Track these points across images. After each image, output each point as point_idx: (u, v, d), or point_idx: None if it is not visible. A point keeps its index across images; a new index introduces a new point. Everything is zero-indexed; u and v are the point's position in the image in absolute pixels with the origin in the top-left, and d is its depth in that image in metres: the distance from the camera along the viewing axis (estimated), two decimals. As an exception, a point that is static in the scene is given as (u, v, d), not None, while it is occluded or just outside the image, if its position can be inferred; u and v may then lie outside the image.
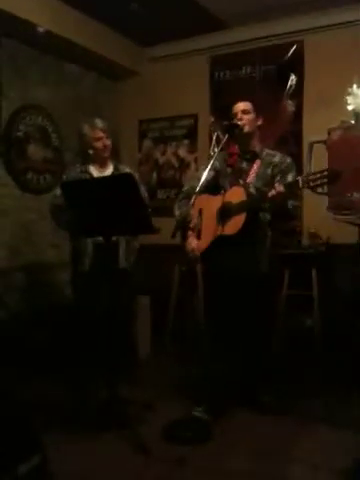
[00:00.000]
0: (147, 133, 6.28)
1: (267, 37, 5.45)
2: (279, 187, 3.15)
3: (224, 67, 5.79)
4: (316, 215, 5.06)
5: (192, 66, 5.87)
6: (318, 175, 2.98)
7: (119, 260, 3.79)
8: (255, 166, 3.49)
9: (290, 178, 3.34)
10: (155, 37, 5.77)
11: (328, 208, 5.08)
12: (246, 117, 3.45)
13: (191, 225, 3.48)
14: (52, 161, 5.40)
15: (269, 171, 3.47)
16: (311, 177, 3.00)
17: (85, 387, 3.68)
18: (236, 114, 3.47)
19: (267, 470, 2.71)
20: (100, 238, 3.38)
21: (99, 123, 3.81)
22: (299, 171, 4.88)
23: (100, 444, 2.97)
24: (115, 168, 3.90)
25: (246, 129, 3.44)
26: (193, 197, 3.17)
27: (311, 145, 5.26)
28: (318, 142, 5.19)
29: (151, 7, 4.95)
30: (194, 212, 3.48)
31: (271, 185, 3.26)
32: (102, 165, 3.87)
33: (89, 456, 2.83)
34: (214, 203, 3.46)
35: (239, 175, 3.50)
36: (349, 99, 4.99)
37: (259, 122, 3.53)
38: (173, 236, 3.10)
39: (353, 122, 5.00)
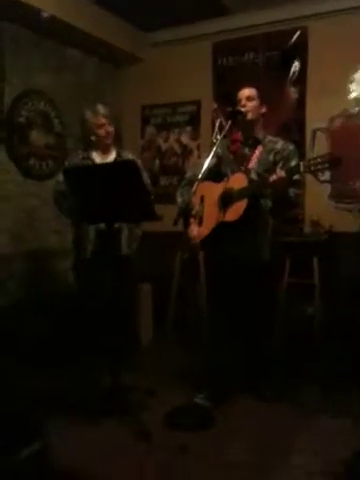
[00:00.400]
0: (150, 119, 6.25)
1: (271, 23, 5.40)
2: (280, 172, 3.15)
3: (227, 53, 5.74)
4: (318, 203, 5.05)
5: (195, 52, 5.83)
6: (319, 160, 2.97)
7: (121, 247, 3.79)
8: (257, 152, 3.48)
9: (293, 165, 3.32)
10: (158, 22, 5.72)
11: (330, 196, 5.07)
12: (250, 104, 3.43)
13: (193, 212, 3.48)
14: (54, 147, 5.38)
15: (271, 157, 3.46)
16: (312, 161, 2.99)
17: (88, 374, 3.70)
18: (240, 100, 3.45)
19: (268, 458, 2.73)
20: (102, 225, 3.38)
21: (101, 109, 3.79)
22: (301, 159, 4.89)
23: (102, 431, 2.99)
24: (118, 154, 3.89)
25: (249, 116, 3.43)
26: (195, 184, 3.15)
27: (314, 132, 5.24)
28: (321, 129, 5.17)
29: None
30: (196, 199, 3.47)
31: (272, 171, 3.25)
32: (105, 152, 3.86)
33: (91, 443, 2.85)
34: (216, 190, 3.45)
35: (241, 161, 3.49)
36: (352, 87, 4.96)
37: (263, 110, 3.51)
38: (175, 223, 3.09)
39: (356, 110, 4.98)
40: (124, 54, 5.91)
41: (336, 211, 4.81)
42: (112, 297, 3.31)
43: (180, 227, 3.37)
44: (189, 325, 5.07)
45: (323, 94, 5.09)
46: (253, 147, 3.50)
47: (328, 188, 5.06)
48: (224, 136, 3.37)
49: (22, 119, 5.04)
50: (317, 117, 5.20)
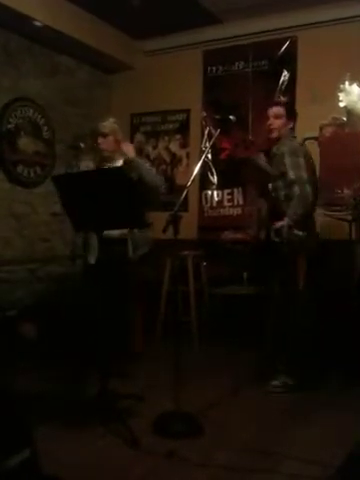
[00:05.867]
0: (139, 127, 6.26)
1: (261, 32, 5.44)
2: None
3: (217, 62, 5.77)
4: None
5: (185, 60, 5.86)
6: None
7: (128, 252, 3.78)
8: None
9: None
10: (149, 31, 5.75)
11: (319, 204, 5.07)
12: (277, 121, 3.52)
13: None
14: (43, 154, 5.37)
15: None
16: None
17: (76, 380, 3.68)
18: (268, 118, 3.53)
19: (256, 464, 2.71)
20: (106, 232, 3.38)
21: (106, 124, 3.92)
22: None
23: (91, 437, 2.97)
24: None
25: (274, 134, 3.53)
26: (184, 191, 3.16)
27: (303, 141, 5.26)
28: (310, 139, 5.19)
29: (146, 1, 4.93)
30: None
31: None
32: (107, 160, 3.91)
33: (79, 449, 2.82)
34: None
35: None
36: (341, 96, 5.00)
37: (290, 125, 3.62)
38: (164, 231, 3.08)
39: (345, 119, 5.01)
40: (115, 62, 5.93)
41: (324, 219, 4.82)
42: (111, 305, 3.31)
43: (170, 234, 3.37)
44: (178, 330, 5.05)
45: (312, 103, 5.13)
46: None
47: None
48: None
49: (11, 126, 5.03)
50: (306, 126, 5.21)
